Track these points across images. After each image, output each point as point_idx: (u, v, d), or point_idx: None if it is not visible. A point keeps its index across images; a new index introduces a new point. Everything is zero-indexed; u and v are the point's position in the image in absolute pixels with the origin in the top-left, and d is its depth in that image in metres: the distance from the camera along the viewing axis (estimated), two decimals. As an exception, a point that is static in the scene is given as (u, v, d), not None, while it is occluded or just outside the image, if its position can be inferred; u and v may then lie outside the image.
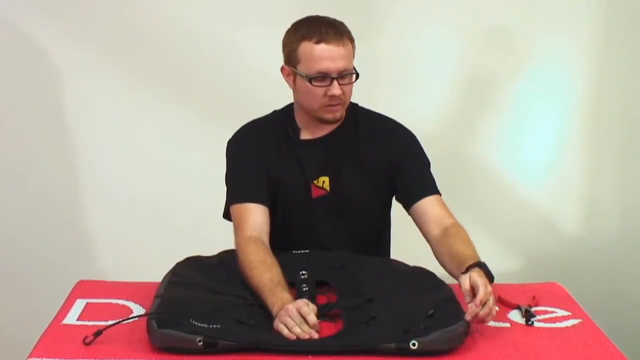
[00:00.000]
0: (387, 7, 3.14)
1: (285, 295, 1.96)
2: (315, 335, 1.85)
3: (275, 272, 2.06)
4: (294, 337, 1.84)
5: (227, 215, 2.34)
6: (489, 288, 1.94)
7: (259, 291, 2.02)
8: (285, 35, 2.27)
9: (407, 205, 2.32)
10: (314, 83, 2.19)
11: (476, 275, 1.96)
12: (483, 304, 1.90)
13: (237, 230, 2.23)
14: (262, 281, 2.02)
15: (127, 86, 3.17)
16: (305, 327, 1.85)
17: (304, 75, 2.19)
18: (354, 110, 2.36)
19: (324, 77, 2.18)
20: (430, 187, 2.31)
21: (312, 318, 1.86)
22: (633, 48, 3.27)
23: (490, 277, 2.01)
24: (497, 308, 1.99)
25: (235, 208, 2.27)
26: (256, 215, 2.23)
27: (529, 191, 3.36)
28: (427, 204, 2.28)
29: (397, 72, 3.19)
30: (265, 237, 2.21)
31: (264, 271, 2.05)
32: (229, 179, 2.35)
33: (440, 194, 2.33)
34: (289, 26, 2.29)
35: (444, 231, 2.23)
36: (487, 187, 3.34)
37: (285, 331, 1.85)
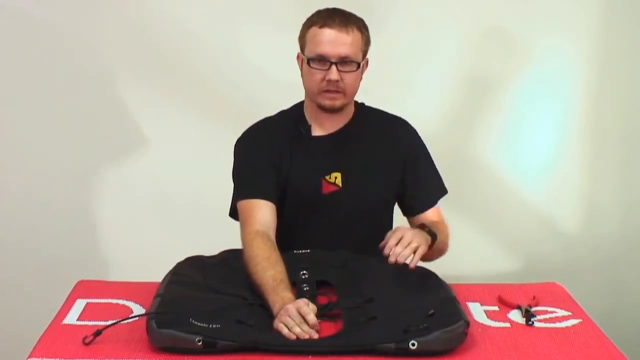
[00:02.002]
0: (388, 7, 3.14)
1: (287, 294, 1.96)
2: (315, 335, 1.85)
3: (279, 269, 2.05)
4: (293, 337, 1.84)
5: (233, 213, 2.35)
6: (398, 234, 2.15)
7: (261, 288, 2.02)
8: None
9: (407, 215, 2.41)
10: (312, 65, 2.21)
11: (399, 228, 2.18)
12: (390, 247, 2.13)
13: (244, 225, 2.23)
14: (265, 278, 2.02)
15: (128, 86, 3.17)
16: (305, 327, 1.85)
17: (306, 57, 2.22)
18: (362, 109, 2.37)
19: (323, 60, 2.20)
20: (430, 199, 2.39)
21: (312, 318, 1.86)
22: (633, 48, 3.27)
23: (432, 237, 2.22)
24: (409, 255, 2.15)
25: (242, 204, 2.27)
26: (264, 211, 2.23)
27: (529, 191, 3.36)
28: (424, 216, 2.37)
29: (397, 72, 3.19)
30: (272, 233, 2.21)
31: (268, 268, 2.05)
32: (237, 176, 2.35)
33: (447, 191, 2.41)
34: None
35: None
36: (487, 187, 3.34)
37: (285, 331, 1.85)
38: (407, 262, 2.13)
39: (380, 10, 3.10)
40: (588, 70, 3.29)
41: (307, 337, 1.84)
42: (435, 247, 2.26)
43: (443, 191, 2.42)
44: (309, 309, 1.87)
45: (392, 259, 2.13)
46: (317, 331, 1.86)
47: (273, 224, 2.24)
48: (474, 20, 3.21)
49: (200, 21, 3.13)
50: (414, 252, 2.14)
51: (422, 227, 2.26)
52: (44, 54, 3.14)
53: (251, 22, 3.14)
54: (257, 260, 2.09)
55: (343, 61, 2.20)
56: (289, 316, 1.86)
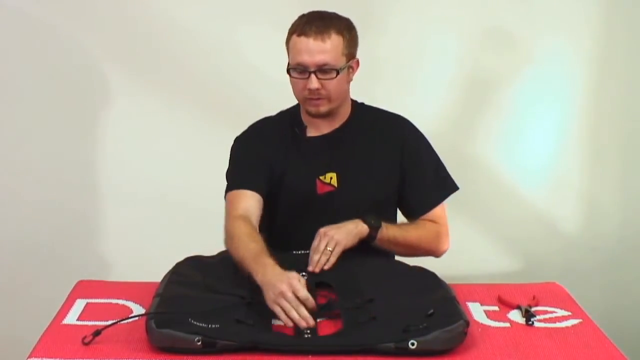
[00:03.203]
0: (388, 7, 3.14)
1: (269, 260, 1.97)
2: (312, 322, 1.85)
3: (261, 244, 2.05)
4: (290, 323, 1.84)
5: None
6: (325, 237, 2.12)
7: (244, 261, 2.02)
8: None
9: (407, 218, 2.39)
10: (292, 74, 2.22)
11: (320, 231, 2.14)
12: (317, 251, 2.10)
13: (227, 214, 2.23)
14: (247, 251, 2.03)
15: (127, 86, 3.17)
16: (303, 312, 1.85)
17: (288, 66, 2.23)
18: (360, 109, 2.36)
19: (302, 69, 2.19)
20: (431, 201, 2.36)
21: (305, 295, 1.86)
22: (633, 48, 3.27)
23: (373, 227, 2.19)
24: (330, 250, 2.14)
25: (229, 195, 2.28)
26: (249, 200, 2.23)
27: (529, 191, 3.36)
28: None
29: (397, 71, 3.19)
30: (255, 220, 2.20)
31: (249, 242, 2.06)
32: (228, 172, 2.35)
33: (455, 188, 2.39)
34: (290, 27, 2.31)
35: None
36: (487, 187, 3.34)
37: (282, 315, 1.86)
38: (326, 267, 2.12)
39: (380, 10, 3.10)
40: (588, 70, 3.28)
41: (304, 323, 1.84)
42: (393, 240, 2.24)
43: (448, 190, 2.39)
44: (301, 285, 1.87)
45: (317, 270, 2.11)
46: (313, 308, 1.87)
47: (257, 212, 2.22)
48: (474, 20, 3.21)
49: (200, 21, 3.13)
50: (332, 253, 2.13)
51: (363, 219, 2.21)
52: (43, 54, 3.14)
53: (250, 22, 3.14)
54: (238, 236, 2.09)
55: (322, 69, 2.19)
56: (285, 299, 1.86)
